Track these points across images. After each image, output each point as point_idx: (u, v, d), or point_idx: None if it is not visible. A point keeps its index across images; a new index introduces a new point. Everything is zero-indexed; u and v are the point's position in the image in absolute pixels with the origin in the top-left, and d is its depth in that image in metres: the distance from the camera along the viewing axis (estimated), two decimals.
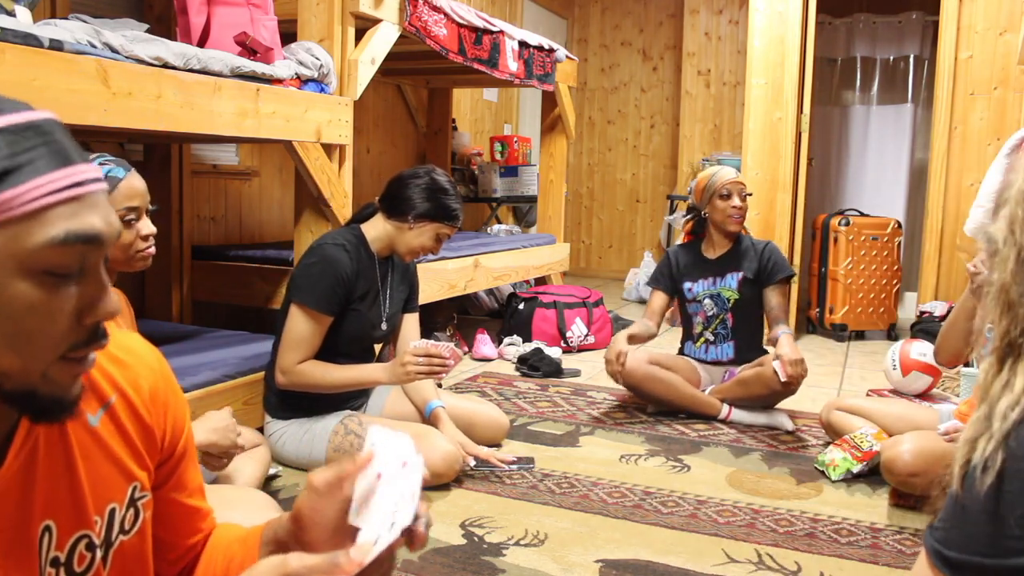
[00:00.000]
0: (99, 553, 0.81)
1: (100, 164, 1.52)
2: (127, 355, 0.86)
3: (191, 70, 2.18)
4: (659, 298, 3.14)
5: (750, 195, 3.08)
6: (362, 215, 2.42)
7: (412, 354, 2.18)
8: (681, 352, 3.23)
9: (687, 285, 3.10)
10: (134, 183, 1.53)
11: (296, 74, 2.61)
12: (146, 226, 1.54)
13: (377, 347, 2.69)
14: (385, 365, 2.28)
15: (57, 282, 0.64)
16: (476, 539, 1.95)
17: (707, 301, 3.07)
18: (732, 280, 3.04)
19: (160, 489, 0.90)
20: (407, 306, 2.53)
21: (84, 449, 0.79)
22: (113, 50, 1.98)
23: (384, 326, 2.42)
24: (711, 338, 3.11)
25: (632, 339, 2.98)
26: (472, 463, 2.34)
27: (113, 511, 0.82)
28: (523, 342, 4.02)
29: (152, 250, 1.57)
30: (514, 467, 2.40)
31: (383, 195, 2.39)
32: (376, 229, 2.37)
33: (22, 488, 0.73)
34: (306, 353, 2.24)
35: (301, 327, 2.23)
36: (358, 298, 2.31)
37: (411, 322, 2.55)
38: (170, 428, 0.89)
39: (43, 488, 0.75)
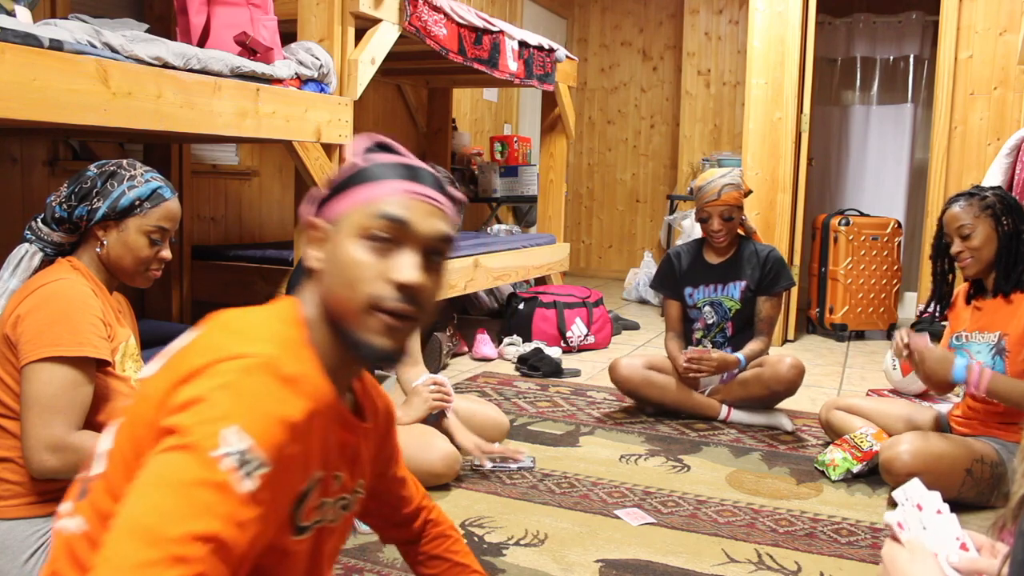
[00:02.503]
0: (341, 518, 1.01)
1: (150, 179, 1.56)
2: (381, 392, 1.15)
3: (191, 70, 2.18)
4: (675, 307, 3.09)
5: (739, 207, 2.94)
6: None
7: (425, 387, 2.35)
8: None
9: (688, 291, 3.06)
10: (174, 208, 1.58)
11: (296, 74, 2.61)
12: (166, 251, 1.58)
13: None
14: (403, 409, 2.32)
15: (371, 244, 0.91)
16: (476, 539, 1.95)
17: (707, 309, 3.03)
18: (735, 290, 3.00)
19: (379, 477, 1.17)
20: None
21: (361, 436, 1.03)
22: (113, 50, 1.98)
23: None
24: (709, 345, 3.09)
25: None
26: (489, 465, 2.37)
27: (351, 489, 1.03)
28: (523, 342, 4.02)
29: (159, 274, 1.61)
30: (514, 467, 2.41)
31: None
32: None
33: (364, 438, 1.02)
34: None
35: None
36: None
37: None
38: (387, 460, 1.17)
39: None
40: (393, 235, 0.90)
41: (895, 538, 0.97)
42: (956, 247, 2.22)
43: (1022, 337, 2.13)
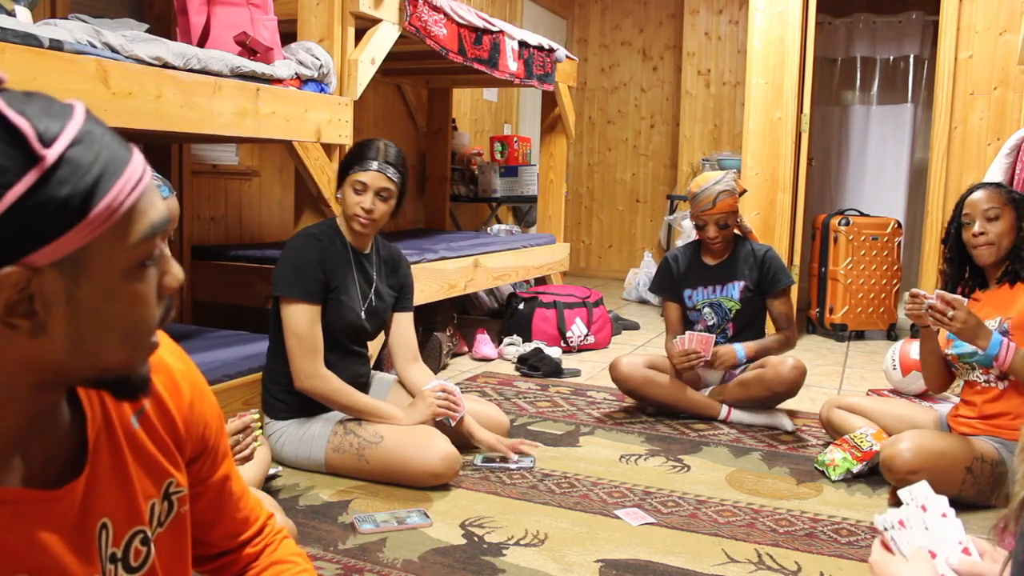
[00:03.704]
0: (152, 548, 0.84)
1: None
2: (156, 360, 0.88)
3: (191, 70, 2.18)
4: (674, 309, 3.09)
5: (735, 212, 2.94)
6: None
7: (432, 392, 2.35)
8: None
9: (687, 293, 3.05)
10: (172, 206, 1.58)
11: (296, 74, 2.61)
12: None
13: (373, 347, 2.68)
14: (404, 408, 2.35)
15: (146, 268, 0.68)
16: (476, 539, 1.95)
17: (707, 310, 3.02)
18: (734, 290, 2.99)
19: (201, 483, 0.94)
20: (399, 305, 2.53)
21: (130, 448, 0.82)
22: (113, 50, 1.98)
23: (364, 316, 2.40)
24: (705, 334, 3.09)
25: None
26: (515, 458, 2.43)
27: (153, 506, 0.85)
28: (523, 342, 4.02)
29: None
30: (514, 467, 2.41)
31: None
32: (341, 219, 2.40)
33: (88, 490, 0.76)
34: (316, 349, 2.26)
35: (298, 321, 2.25)
36: (336, 287, 2.32)
37: (405, 322, 2.54)
38: (197, 426, 0.92)
39: (102, 488, 0.78)
40: (158, 247, 0.70)
41: (885, 545, 0.97)
42: (979, 227, 2.19)
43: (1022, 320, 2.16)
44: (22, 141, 0.60)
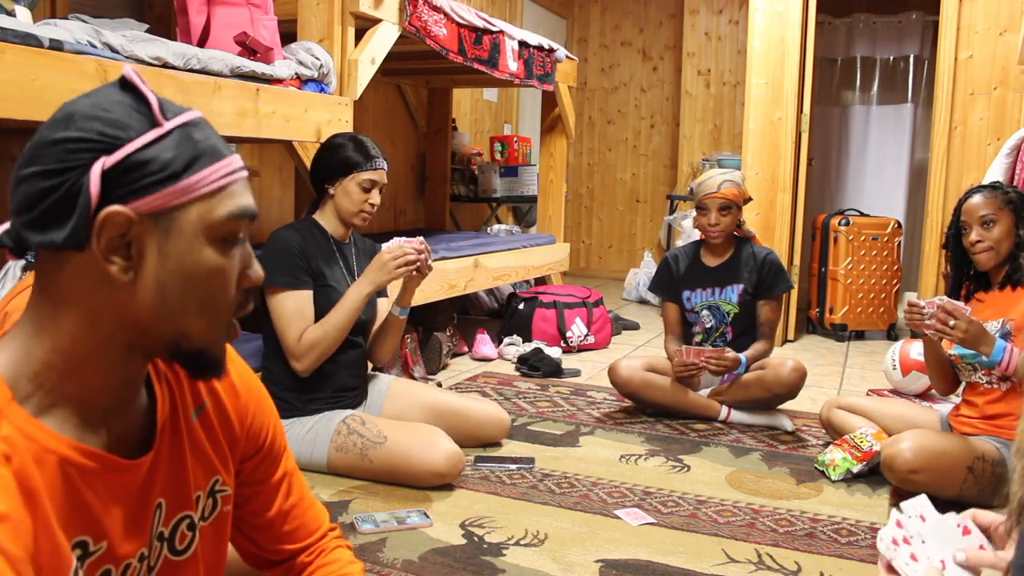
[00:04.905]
0: (197, 534, 0.91)
1: None
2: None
3: (191, 70, 2.18)
4: (673, 310, 3.09)
5: (737, 205, 2.93)
6: (312, 208, 2.46)
7: (390, 253, 2.28)
8: None
9: (686, 294, 3.04)
10: None
11: (296, 74, 2.61)
12: None
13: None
14: (364, 274, 2.31)
15: (230, 247, 0.79)
16: (476, 539, 1.95)
17: (705, 312, 3.02)
18: (732, 293, 2.98)
19: (255, 485, 1.01)
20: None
21: (188, 440, 0.90)
22: (113, 50, 1.98)
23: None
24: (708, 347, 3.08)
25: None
26: (412, 241, 2.33)
27: (199, 498, 0.91)
28: (523, 342, 4.02)
29: None
30: (514, 467, 2.41)
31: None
32: (323, 215, 2.40)
33: (152, 468, 0.85)
34: (303, 328, 2.26)
35: (284, 308, 2.25)
36: (321, 273, 2.32)
37: (379, 304, 2.55)
38: (252, 426, 0.99)
39: (163, 469, 0.86)
40: (243, 232, 0.81)
41: (890, 567, 0.96)
42: (975, 235, 2.21)
43: None
44: (147, 110, 0.75)
